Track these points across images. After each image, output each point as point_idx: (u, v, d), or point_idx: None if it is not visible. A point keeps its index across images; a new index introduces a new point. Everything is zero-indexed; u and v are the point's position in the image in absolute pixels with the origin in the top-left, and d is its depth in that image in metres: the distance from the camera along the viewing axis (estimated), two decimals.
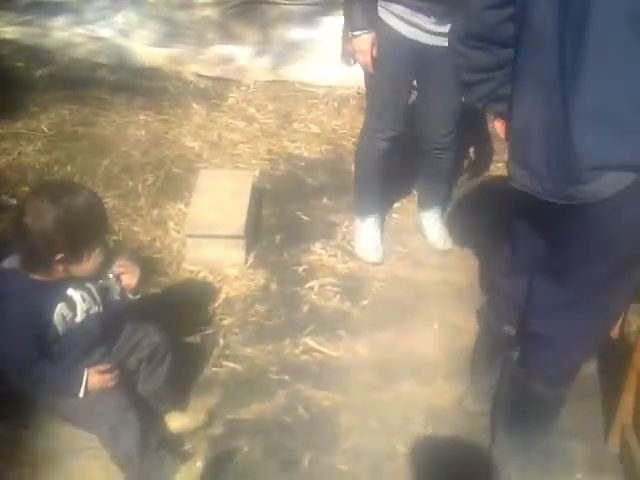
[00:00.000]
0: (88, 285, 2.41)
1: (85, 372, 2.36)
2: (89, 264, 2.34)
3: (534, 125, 2.09)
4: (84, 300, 2.39)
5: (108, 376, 2.39)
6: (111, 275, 2.48)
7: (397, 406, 2.83)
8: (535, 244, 2.34)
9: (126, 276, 2.50)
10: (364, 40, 3.11)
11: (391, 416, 2.80)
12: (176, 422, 2.68)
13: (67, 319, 2.36)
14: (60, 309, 2.34)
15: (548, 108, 2.03)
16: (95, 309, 2.43)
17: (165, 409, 2.68)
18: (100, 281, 2.46)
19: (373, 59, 3.14)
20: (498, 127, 2.42)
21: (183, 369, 2.78)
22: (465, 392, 2.84)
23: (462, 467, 2.60)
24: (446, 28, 3.02)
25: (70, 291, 2.36)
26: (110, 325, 2.50)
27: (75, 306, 2.38)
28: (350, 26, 3.15)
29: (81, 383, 2.34)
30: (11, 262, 2.35)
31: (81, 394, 2.34)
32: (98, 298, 2.44)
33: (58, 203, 2.25)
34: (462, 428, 2.75)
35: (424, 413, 2.81)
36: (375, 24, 3.10)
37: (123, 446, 2.40)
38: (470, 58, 2.28)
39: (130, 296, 2.52)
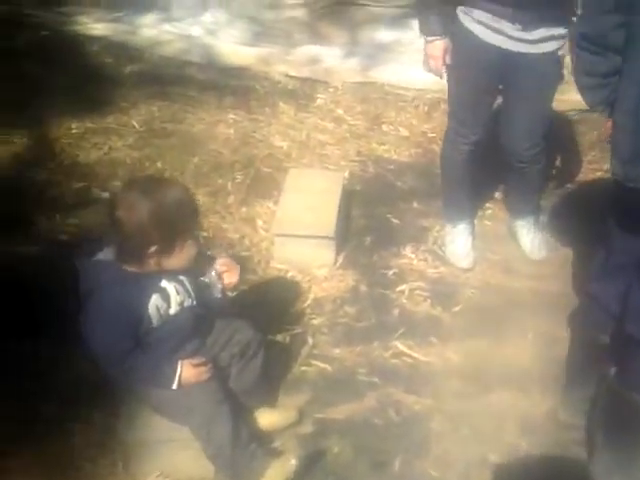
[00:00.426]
0: (181, 278, 2.42)
1: (179, 364, 2.36)
2: (181, 257, 2.35)
3: None
4: (178, 292, 2.40)
5: (202, 369, 2.40)
6: (213, 272, 2.49)
7: (489, 415, 2.77)
8: (633, 245, 2.29)
9: (228, 274, 2.51)
10: (437, 46, 3.09)
11: (483, 424, 2.73)
12: (266, 419, 2.67)
13: (161, 311, 2.37)
14: (154, 300, 2.35)
15: None
16: (189, 302, 2.44)
17: (255, 405, 2.67)
18: (202, 278, 2.47)
19: (446, 66, 3.13)
20: (607, 130, 2.39)
21: (273, 367, 2.78)
22: (559, 403, 2.76)
23: None
24: (532, 35, 3.01)
25: (164, 283, 2.37)
26: (203, 319, 2.51)
27: (169, 298, 2.39)
28: (423, 31, 3.13)
29: (175, 374, 2.35)
30: (106, 254, 2.38)
31: (174, 385, 2.35)
32: (192, 291, 2.45)
33: (151, 197, 2.27)
34: (556, 440, 2.68)
35: (517, 423, 2.74)
36: (453, 30, 3.07)
37: (215, 439, 2.41)
38: (586, 62, 2.29)
39: (228, 293, 2.51)
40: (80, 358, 2.81)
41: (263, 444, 2.55)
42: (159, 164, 4.01)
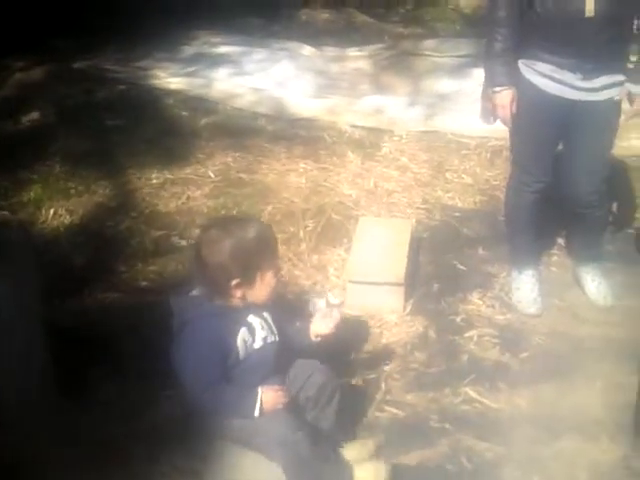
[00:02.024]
0: (266, 314, 2.55)
1: (259, 391, 2.45)
2: (262, 288, 2.48)
3: None
4: (262, 328, 2.52)
5: (281, 394, 2.48)
6: (324, 301, 2.61)
7: (560, 462, 2.78)
8: None
9: (322, 322, 2.62)
10: (505, 96, 3.17)
11: (554, 471, 2.75)
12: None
13: (247, 344, 2.48)
14: (242, 334, 2.48)
15: None
16: (271, 338, 2.55)
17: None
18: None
19: (513, 115, 3.19)
20: None
21: (346, 411, 2.81)
22: (630, 450, 2.76)
23: None
24: (593, 83, 3.09)
25: (251, 317, 2.51)
26: (284, 357, 2.60)
27: (254, 332, 2.51)
28: (491, 82, 3.20)
29: (256, 402, 2.43)
30: (198, 292, 2.54)
31: (256, 413, 2.43)
32: (274, 328, 2.56)
33: (229, 233, 2.45)
34: None
35: (589, 470, 2.74)
36: (516, 81, 3.15)
37: (295, 460, 2.45)
38: None
39: (312, 338, 2.62)
40: (165, 401, 2.98)
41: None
42: (235, 212, 4.15)
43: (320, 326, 2.62)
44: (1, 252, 2.63)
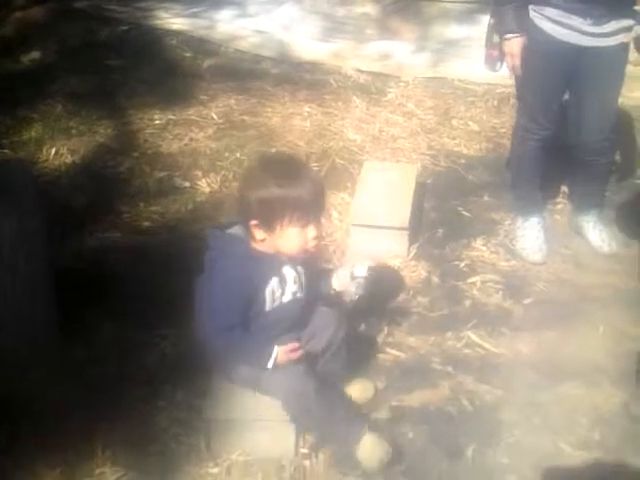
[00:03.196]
0: (300, 269, 2.50)
1: (276, 349, 2.43)
2: (285, 241, 2.39)
3: None
4: (294, 282, 2.48)
5: (296, 352, 2.45)
6: (349, 272, 2.59)
7: (561, 407, 2.80)
8: None
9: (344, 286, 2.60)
10: (515, 43, 3.14)
11: (555, 416, 2.76)
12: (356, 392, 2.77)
13: (275, 296, 2.45)
14: (272, 284, 2.43)
15: None
16: (300, 294, 2.52)
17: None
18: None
19: (522, 62, 3.15)
20: None
21: (349, 354, 2.83)
22: (631, 397, 2.78)
23: (630, 474, 2.55)
24: (603, 29, 3.05)
25: (286, 269, 2.46)
26: (307, 313, 2.59)
27: (286, 285, 2.47)
28: (501, 29, 3.17)
29: (270, 357, 2.42)
30: (237, 230, 2.47)
31: (269, 366, 2.42)
32: (304, 285, 2.52)
33: (268, 173, 2.36)
34: (629, 434, 2.69)
35: (589, 416, 2.76)
36: (526, 28, 3.10)
37: (309, 411, 2.46)
38: None
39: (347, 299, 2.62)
40: (165, 341, 2.99)
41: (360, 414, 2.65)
42: (238, 154, 4.12)
43: (344, 293, 2.62)
44: (4, 189, 2.61)
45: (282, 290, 2.46)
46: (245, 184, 2.43)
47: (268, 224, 2.38)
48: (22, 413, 2.60)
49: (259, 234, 2.40)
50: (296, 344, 2.47)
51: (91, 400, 2.69)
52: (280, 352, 2.43)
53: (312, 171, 2.50)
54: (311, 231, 2.41)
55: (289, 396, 2.46)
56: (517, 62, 3.17)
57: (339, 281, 2.63)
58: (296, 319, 2.54)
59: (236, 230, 2.48)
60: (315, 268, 2.61)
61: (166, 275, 3.19)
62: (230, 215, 2.60)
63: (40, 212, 2.73)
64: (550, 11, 3.07)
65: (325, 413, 2.48)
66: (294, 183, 2.36)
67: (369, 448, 2.49)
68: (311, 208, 2.40)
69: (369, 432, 2.52)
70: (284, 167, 2.43)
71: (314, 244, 2.44)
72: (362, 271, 2.61)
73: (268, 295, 2.43)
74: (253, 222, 2.38)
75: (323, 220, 2.55)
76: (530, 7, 3.12)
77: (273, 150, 4.14)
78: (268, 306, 2.45)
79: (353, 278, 2.59)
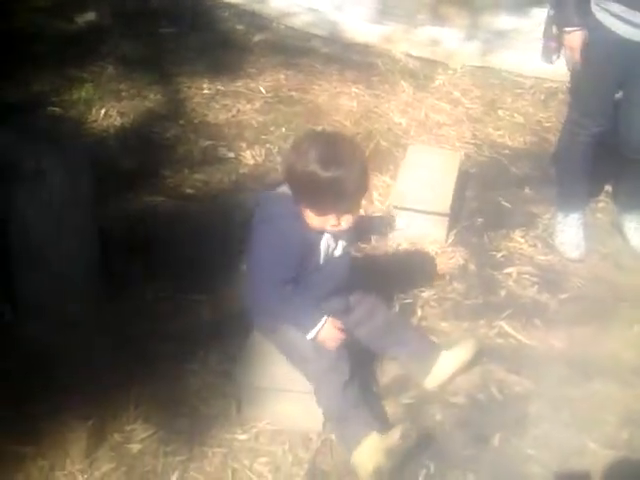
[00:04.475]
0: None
1: (325, 319, 2.44)
2: (322, 221, 2.40)
3: None
4: (344, 237, 2.51)
5: (339, 335, 2.46)
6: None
7: (591, 404, 2.80)
8: None
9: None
10: (576, 37, 3.10)
11: (584, 412, 2.76)
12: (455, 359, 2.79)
13: (329, 249, 2.47)
14: (327, 238, 2.45)
15: None
16: (348, 249, 2.56)
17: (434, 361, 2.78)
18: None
19: (581, 57, 3.11)
20: None
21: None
22: None
23: None
24: None
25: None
26: (352, 275, 2.61)
27: (338, 240, 2.49)
28: (563, 22, 3.14)
29: (315, 325, 2.43)
30: (285, 189, 2.46)
31: (310, 335, 2.43)
32: (349, 244, 2.57)
33: (316, 156, 2.32)
34: None
35: (619, 415, 2.76)
36: (586, 21, 3.07)
37: (326, 392, 2.49)
38: None
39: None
40: (201, 305, 3.03)
41: (374, 409, 2.63)
42: (284, 129, 4.14)
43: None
44: (55, 145, 2.65)
45: (335, 244, 2.49)
46: (291, 159, 2.40)
47: (309, 204, 2.39)
48: (58, 364, 2.65)
49: (302, 209, 2.42)
50: (342, 326, 2.48)
51: (126, 357, 2.75)
52: (327, 326, 2.44)
53: (356, 158, 2.38)
54: (346, 219, 2.41)
55: (318, 377, 2.49)
56: (577, 56, 3.14)
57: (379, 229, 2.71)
58: (344, 276, 2.55)
59: (284, 189, 2.47)
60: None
61: (206, 242, 3.23)
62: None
63: (88, 169, 2.77)
64: (615, 6, 3.03)
65: (339, 410, 2.49)
66: (337, 170, 2.31)
67: (365, 457, 2.44)
68: (350, 199, 2.38)
69: (375, 435, 2.46)
70: (330, 149, 2.37)
71: (346, 226, 2.43)
72: (402, 223, 2.65)
73: (323, 249, 2.46)
74: (296, 198, 2.40)
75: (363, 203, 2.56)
76: (592, 2, 3.08)
77: (319, 128, 4.14)
78: (322, 260, 2.47)
79: (393, 228, 2.64)
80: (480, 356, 2.85)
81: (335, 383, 2.49)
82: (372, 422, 2.52)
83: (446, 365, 2.76)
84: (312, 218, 2.40)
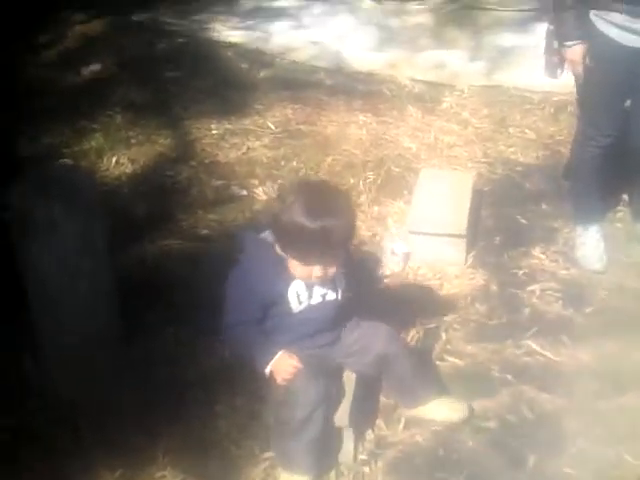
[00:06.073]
0: (332, 272, 2.46)
1: (279, 353, 2.42)
2: (302, 270, 2.40)
3: None
4: (323, 285, 2.48)
5: (290, 369, 2.40)
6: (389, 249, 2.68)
7: (624, 417, 2.75)
8: None
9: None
10: (577, 50, 3.10)
11: (618, 425, 2.72)
12: (439, 413, 2.71)
13: (301, 298, 2.46)
14: (296, 286, 2.45)
15: None
16: (332, 296, 2.52)
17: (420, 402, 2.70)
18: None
19: (585, 69, 3.11)
20: None
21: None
22: None
23: None
24: None
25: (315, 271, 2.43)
26: (342, 313, 2.58)
27: (312, 288, 2.47)
28: (562, 36, 3.13)
29: (269, 361, 2.41)
30: (268, 236, 2.50)
31: (266, 370, 2.42)
32: (339, 284, 2.52)
33: (300, 206, 2.32)
34: None
35: None
36: (587, 33, 3.06)
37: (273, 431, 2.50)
38: None
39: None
40: (221, 346, 3.01)
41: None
42: (294, 163, 4.15)
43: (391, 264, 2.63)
44: (69, 195, 2.66)
45: (309, 293, 2.47)
46: (277, 209, 2.45)
47: (287, 251, 2.41)
48: (85, 415, 2.65)
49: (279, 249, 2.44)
50: (295, 359, 2.42)
51: (152, 403, 2.73)
52: (279, 357, 2.41)
53: (344, 208, 2.38)
54: (317, 270, 2.40)
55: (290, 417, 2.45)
56: (579, 69, 3.13)
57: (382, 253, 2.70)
58: (329, 320, 2.53)
59: (266, 235, 2.50)
60: (353, 264, 2.61)
61: (224, 282, 3.21)
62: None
63: (102, 218, 2.78)
64: (614, 16, 3.02)
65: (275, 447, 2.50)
66: (323, 221, 2.30)
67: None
68: (336, 249, 2.38)
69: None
70: (317, 199, 2.37)
71: (318, 277, 2.42)
72: (402, 247, 2.62)
73: (292, 297, 2.45)
74: (277, 245, 2.43)
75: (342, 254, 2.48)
76: (592, 13, 3.07)
77: (329, 159, 4.15)
78: (295, 308, 2.46)
79: (393, 254, 2.61)
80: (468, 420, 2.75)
81: (281, 422, 2.47)
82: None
83: (432, 412, 2.70)
84: (296, 267, 2.41)
